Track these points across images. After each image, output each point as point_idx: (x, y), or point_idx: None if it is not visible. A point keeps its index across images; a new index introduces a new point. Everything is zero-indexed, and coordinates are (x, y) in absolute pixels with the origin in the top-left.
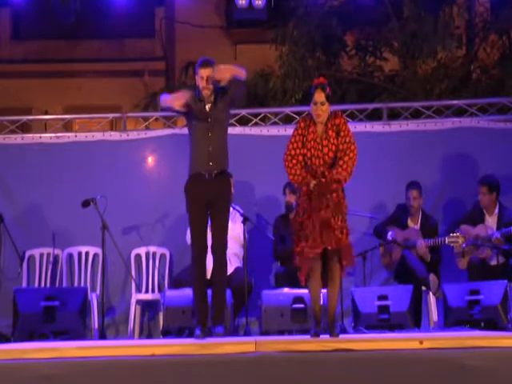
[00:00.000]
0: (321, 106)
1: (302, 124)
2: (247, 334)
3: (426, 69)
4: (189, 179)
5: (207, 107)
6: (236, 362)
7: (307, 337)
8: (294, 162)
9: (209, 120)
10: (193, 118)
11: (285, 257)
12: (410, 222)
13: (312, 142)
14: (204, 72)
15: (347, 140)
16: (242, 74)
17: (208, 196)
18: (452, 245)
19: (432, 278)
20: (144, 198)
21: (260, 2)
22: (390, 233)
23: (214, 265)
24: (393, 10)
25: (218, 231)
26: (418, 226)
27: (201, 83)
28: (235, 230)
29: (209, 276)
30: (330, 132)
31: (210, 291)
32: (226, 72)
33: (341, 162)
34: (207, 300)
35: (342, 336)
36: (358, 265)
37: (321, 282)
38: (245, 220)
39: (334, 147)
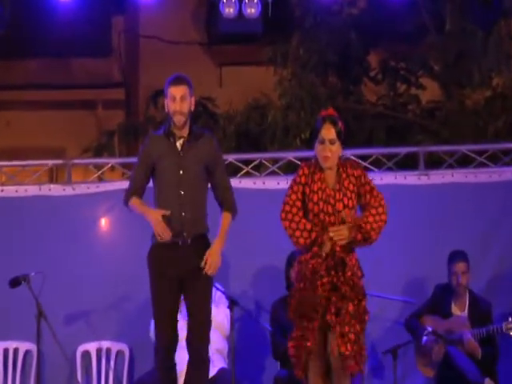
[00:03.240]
0: (329, 146)
1: (306, 170)
2: None
3: (478, 100)
4: (154, 245)
5: (178, 144)
6: None
7: None
8: (295, 211)
9: (180, 172)
10: (159, 165)
11: (287, 356)
12: (454, 309)
13: (320, 193)
14: (176, 91)
15: (375, 194)
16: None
17: (181, 268)
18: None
19: (488, 383)
20: (95, 274)
21: (253, 11)
22: (427, 330)
23: (191, 365)
24: (431, 21)
25: (197, 317)
26: (465, 313)
27: (171, 106)
28: (218, 317)
29: (181, 383)
30: (347, 182)
31: None
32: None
33: (373, 211)
34: None
35: None
36: (386, 366)
37: (325, 380)
38: (231, 304)
39: (351, 203)
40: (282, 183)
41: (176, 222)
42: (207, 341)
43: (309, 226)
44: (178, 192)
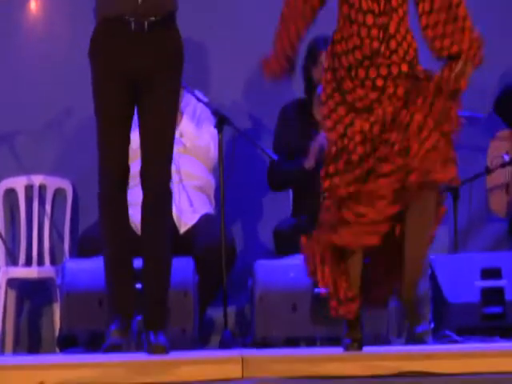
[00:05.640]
0: None
1: None
2: (226, 343)
3: None
4: (96, 31)
5: None
6: None
7: (340, 350)
8: None
9: None
10: None
11: (292, 181)
12: None
13: None
14: None
15: None
16: None
17: (134, 66)
18: None
19: None
20: (22, 79)
21: None
22: (503, 158)
23: (146, 210)
24: None
25: (153, 138)
26: None
27: None
28: (200, 140)
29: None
30: None
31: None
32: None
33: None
34: (132, 278)
35: (413, 348)
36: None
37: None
38: (219, 122)
39: None
40: None
41: None
42: (166, 171)
43: None
44: None
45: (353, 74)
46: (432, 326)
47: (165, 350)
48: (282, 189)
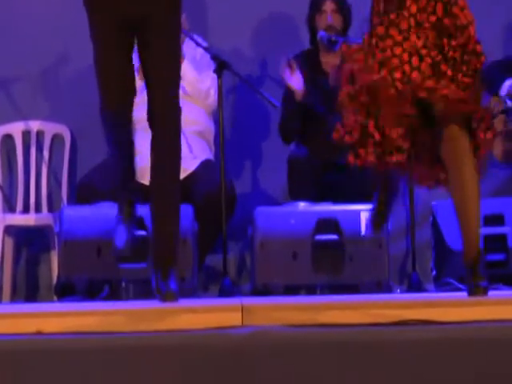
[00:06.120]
0: None
1: None
2: (226, 291)
3: None
4: None
5: None
6: (203, 348)
7: (343, 298)
8: None
9: None
10: None
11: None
12: None
13: None
14: None
15: None
16: None
17: (132, 9)
18: None
19: None
20: (20, 24)
21: None
22: (508, 84)
23: (155, 150)
24: None
25: (158, 80)
26: None
27: None
28: (201, 83)
29: (144, 179)
30: None
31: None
32: None
33: None
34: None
35: (414, 296)
36: None
37: None
38: (219, 67)
39: None
40: None
41: None
42: (176, 108)
43: None
44: None
45: None
46: (434, 273)
47: (175, 297)
48: (294, 136)
